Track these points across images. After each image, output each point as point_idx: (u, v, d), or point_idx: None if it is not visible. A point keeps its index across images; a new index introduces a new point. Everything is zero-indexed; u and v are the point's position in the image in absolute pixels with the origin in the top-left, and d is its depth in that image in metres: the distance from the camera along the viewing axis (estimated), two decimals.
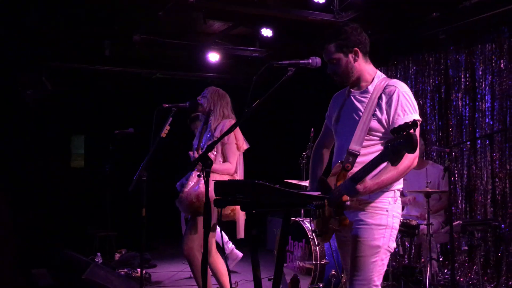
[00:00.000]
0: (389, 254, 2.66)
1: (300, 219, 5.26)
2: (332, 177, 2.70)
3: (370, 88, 2.71)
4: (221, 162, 4.17)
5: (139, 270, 5.44)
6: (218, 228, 4.24)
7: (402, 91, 2.63)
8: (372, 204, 2.62)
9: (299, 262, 5.15)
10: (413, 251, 6.12)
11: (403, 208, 5.60)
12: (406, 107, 2.60)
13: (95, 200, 7.84)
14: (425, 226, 4.88)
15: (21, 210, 6.76)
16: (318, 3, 5.67)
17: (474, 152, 5.98)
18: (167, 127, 4.04)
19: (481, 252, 5.39)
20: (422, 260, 5.53)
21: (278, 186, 2.52)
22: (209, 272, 4.22)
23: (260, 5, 5.88)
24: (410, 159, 2.52)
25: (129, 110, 8.30)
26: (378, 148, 2.63)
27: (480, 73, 5.91)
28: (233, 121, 4.17)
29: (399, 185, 2.69)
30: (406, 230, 4.96)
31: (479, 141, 5.89)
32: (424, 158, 5.99)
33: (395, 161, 2.27)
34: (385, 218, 2.62)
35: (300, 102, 8.41)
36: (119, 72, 8.21)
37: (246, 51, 7.35)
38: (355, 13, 5.74)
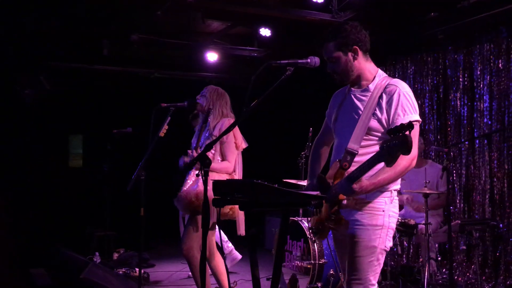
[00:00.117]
0: (385, 253, 2.67)
1: (299, 218, 5.25)
2: (330, 175, 2.70)
3: (371, 86, 2.70)
4: (220, 161, 4.17)
5: (137, 269, 5.44)
6: (217, 227, 4.23)
7: (403, 91, 2.62)
8: (369, 204, 2.62)
9: (298, 262, 5.15)
10: (411, 250, 6.12)
11: (401, 208, 5.61)
12: (407, 107, 2.59)
13: (93, 199, 7.84)
14: (424, 226, 4.88)
15: (19, 210, 6.76)
16: (316, 3, 5.67)
17: (473, 151, 5.99)
18: (166, 127, 4.04)
19: (479, 251, 5.40)
20: (421, 259, 5.53)
21: (276, 185, 2.52)
22: (208, 272, 4.22)
23: (258, 4, 5.88)
24: (408, 160, 2.51)
25: (128, 109, 8.29)
26: (377, 148, 2.62)
27: (478, 73, 5.92)
28: (232, 120, 4.17)
29: (396, 185, 2.68)
30: (405, 229, 4.96)
31: (477, 141, 5.90)
32: (423, 157, 6.00)
33: (390, 162, 2.27)
34: (382, 218, 2.62)
35: (298, 102, 8.41)
36: (118, 72, 8.20)
37: (245, 50, 7.35)
38: (353, 13, 5.74)
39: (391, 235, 2.67)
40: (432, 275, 4.95)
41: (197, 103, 4.30)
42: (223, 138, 3.97)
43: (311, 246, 4.93)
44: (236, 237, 4.25)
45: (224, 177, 4.08)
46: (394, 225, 2.68)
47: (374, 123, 2.63)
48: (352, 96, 2.75)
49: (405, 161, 2.50)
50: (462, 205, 6.09)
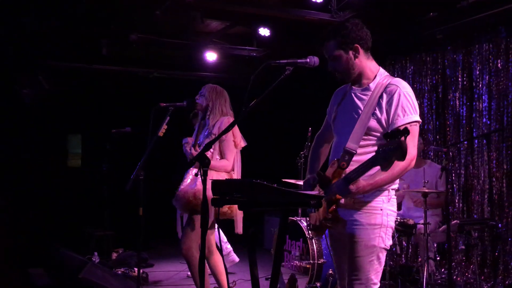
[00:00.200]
0: (385, 252, 2.67)
1: (298, 218, 5.26)
2: (328, 174, 2.69)
3: (372, 85, 2.69)
4: (218, 159, 4.16)
5: (136, 269, 5.43)
6: (216, 227, 4.23)
7: (404, 91, 2.60)
8: (367, 204, 2.62)
9: (297, 262, 5.16)
10: (410, 250, 6.12)
11: (399, 206, 5.61)
12: (407, 108, 2.58)
13: (92, 199, 7.83)
14: (422, 226, 4.88)
15: (18, 210, 6.76)
16: (315, 3, 5.68)
17: (471, 151, 5.99)
18: (165, 126, 4.04)
19: (478, 251, 5.40)
20: (419, 259, 5.54)
21: (275, 185, 2.52)
22: (208, 272, 4.22)
23: (257, 4, 5.88)
24: (407, 160, 2.49)
25: (126, 109, 8.29)
26: (376, 148, 2.62)
27: (477, 73, 5.93)
28: (231, 119, 4.16)
29: (394, 185, 2.68)
30: (404, 229, 4.96)
31: (476, 141, 5.91)
32: (422, 157, 6.00)
33: (385, 167, 2.26)
34: (380, 217, 2.62)
35: (297, 101, 8.41)
36: (116, 71, 8.20)
37: (244, 50, 7.35)
38: (352, 13, 5.74)
39: (390, 234, 2.67)
40: (431, 275, 4.95)
41: (197, 103, 4.29)
42: (222, 136, 3.97)
43: (310, 246, 4.93)
44: (234, 236, 4.24)
45: (223, 175, 4.08)
46: (392, 224, 2.68)
47: (373, 123, 2.62)
48: (353, 95, 2.74)
49: (403, 162, 2.50)
50: (461, 205, 6.09)
